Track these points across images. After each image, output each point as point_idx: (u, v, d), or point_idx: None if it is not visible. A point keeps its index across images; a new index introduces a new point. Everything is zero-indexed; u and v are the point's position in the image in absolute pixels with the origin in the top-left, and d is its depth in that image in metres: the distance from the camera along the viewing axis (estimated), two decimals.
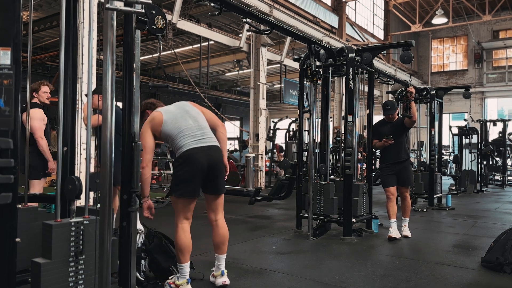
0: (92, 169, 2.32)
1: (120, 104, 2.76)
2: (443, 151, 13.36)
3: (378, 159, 7.89)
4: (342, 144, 7.38)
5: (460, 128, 11.86)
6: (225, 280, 3.13)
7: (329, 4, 17.03)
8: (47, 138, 4.40)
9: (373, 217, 5.38)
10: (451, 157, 14.47)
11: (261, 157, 11.30)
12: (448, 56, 22.56)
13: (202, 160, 2.92)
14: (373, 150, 5.53)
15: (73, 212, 2.30)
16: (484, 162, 11.88)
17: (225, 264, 3.20)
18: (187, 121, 3.04)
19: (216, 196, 3.11)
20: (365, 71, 5.58)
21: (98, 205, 2.20)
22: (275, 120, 14.90)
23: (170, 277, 3.12)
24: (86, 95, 2.49)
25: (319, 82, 5.34)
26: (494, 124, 12.79)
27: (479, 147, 11.65)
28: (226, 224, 3.21)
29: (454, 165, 12.38)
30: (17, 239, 1.90)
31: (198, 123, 3.06)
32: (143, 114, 3.23)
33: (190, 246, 3.01)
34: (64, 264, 2.13)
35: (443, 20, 17.67)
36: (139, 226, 3.08)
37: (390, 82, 8.22)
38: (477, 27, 21.04)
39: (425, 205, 7.82)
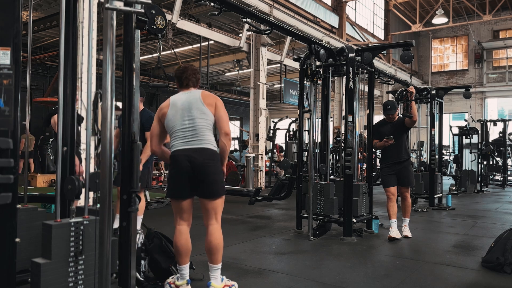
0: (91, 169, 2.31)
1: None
2: (444, 151, 13.37)
3: (378, 159, 7.88)
4: (342, 144, 7.38)
5: (460, 128, 11.86)
6: None
7: (329, 4, 17.02)
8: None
9: (373, 217, 5.37)
10: (452, 157, 14.47)
11: (261, 157, 11.30)
12: (448, 56, 22.56)
13: (184, 163, 2.84)
14: (374, 150, 5.53)
15: (73, 212, 2.30)
16: (485, 162, 11.87)
17: (225, 264, 3.13)
18: (184, 120, 2.93)
19: (205, 200, 2.92)
20: (365, 71, 5.58)
21: (98, 205, 2.20)
22: (275, 120, 14.89)
23: (170, 277, 3.11)
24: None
25: (319, 82, 5.34)
26: (495, 124, 12.80)
27: (480, 147, 11.64)
28: (221, 230, 2.96)
29: (454, 165, 12.38)
30: (17, 239, 1.90)
31: (194, 123, 2.91)
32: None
33: (187, 249, 2.95)
34: (63, 264, 2.12)
35: (444, 20, 17.67)
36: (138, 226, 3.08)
37: (390, 82, 8.23)
38: (478, 27, 21.04)
39: (425, 205, 7.82)
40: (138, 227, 3.41)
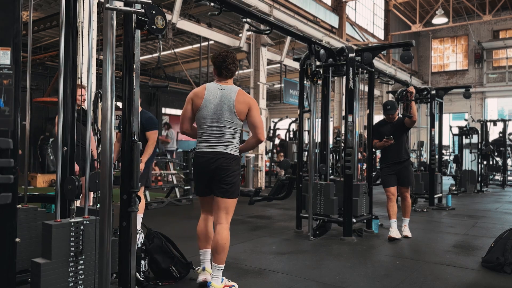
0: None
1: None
2: (443, 151, 13.37)
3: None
4: (342, 144, 7.38)
5: (460, 128, 11.86)
6: None
7: (329, 4, 17.02)
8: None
9: (373, 217, 5.38)
10: (452, 157, 14.47)
11: (261, 157, 11.30)
12: (448, 56, 22.55)
13: (205, 164, 3.02)
14: (374, 150, 5.53)
15: (73, 212, 2.30)
16: (485, 162, 11.87)
17: (225, 264, 3.06)
18: (212, 125, 3.02)
19: (219, 198, 3.04)
20: (365, 71, 5.58)
21: (98, 205, 2.20)
22: (275, 120, 14.89)
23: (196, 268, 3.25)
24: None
25: (319, 82, 5.34)
26: (495, 124, 12.79)
27: (480, 147, 11.64)
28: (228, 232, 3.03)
29: (454, 165, 12.38)
30: (17, 239, 1.90)
31: (221, 131, 3.02)
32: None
33: (206, 234, 3.15)
34: (64, 264, 2.13)
35: (444, 20, 17.66)
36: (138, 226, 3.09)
37: (390, 82, 8.23)
38: (478, 27, 21.03)
39: (425, 205, 7.82)
40: (138, 226, 3.41)
